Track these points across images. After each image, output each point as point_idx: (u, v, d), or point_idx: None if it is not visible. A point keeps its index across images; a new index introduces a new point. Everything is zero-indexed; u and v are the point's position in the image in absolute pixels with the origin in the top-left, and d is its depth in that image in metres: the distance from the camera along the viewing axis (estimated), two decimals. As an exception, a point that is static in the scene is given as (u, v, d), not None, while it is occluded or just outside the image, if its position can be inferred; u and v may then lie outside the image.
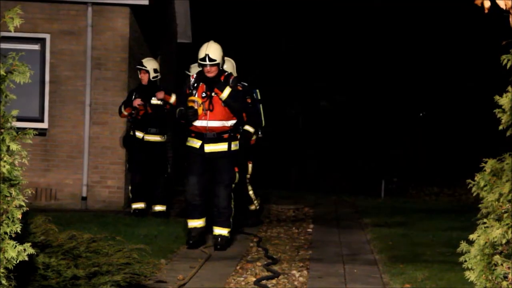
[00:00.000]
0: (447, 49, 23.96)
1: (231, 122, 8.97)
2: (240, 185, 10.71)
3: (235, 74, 10.48)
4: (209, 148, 8.92)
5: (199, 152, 8.95)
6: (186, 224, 9.10)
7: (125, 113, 11.75)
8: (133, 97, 11.69)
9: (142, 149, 11.65)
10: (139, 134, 11.67)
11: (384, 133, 24.37)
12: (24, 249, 4.54)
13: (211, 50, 8.83)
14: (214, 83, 8.89)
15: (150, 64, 11.77)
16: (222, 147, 8.94)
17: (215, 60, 8.80)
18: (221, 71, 8.98)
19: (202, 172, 8.99)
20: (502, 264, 4.21)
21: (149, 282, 6.75)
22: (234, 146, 9.06)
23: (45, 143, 12.73)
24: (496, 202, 4.26)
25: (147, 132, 11.67)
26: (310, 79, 24.84)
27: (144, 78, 11.72)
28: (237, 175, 9.38)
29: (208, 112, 8.87)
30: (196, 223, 8.98)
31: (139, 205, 11.69)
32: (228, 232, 9.01)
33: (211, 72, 8.86)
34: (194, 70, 11.18)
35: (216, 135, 8.91)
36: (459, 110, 24.33)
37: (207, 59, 8.79)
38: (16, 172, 4.59)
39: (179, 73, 19.08)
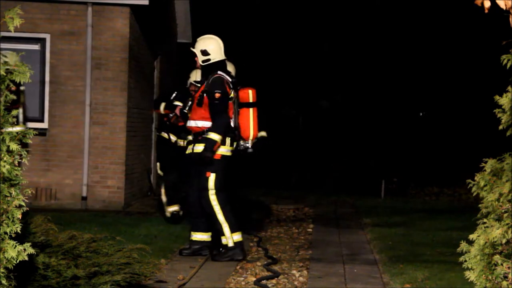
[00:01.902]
0: (447, 49, 23.96)
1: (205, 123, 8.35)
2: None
3: None
4: (189, 149, 8.50)
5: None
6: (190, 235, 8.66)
7: (163, 112, 11.01)
8: (173, 97, 11.22)
9: (176, 151, 11.08)
10: (173, 138, 11.25)
11: (384, 133, 24.36)
12: (24, 249, 4.54)
13: (199, 40, 8.56)
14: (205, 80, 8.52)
15: None
16: (196, 148, 8.37)
17: (193, 48, 8.47)
18: (210, 67, 8.45)
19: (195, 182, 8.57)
20: (502, 264, 4.21)
21: (149, 282, 6.75)
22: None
23: (45, 143, 12.73)
24: (496, 202, 4.26)
25: (179, 137, 11.26)
26: (310, 79, 24.84)
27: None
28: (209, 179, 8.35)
29: (191, 111, 8.57)
30: (200, 236, 8.56)
31: (175, 208, 11.04)
32: (210, 236, 8.55)
33: (197, 62, 8.55)
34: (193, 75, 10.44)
35: (194, 136, 8.44)
36: (459, 110, 24.33)
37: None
38: (16, 172, 4.60)
39: (179, 73, 19.10)
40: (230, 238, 8.30)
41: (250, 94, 8.42)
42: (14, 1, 11.08)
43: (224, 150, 8.36)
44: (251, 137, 8.43)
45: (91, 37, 12.75)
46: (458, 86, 24.20)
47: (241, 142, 8.48)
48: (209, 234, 8.59)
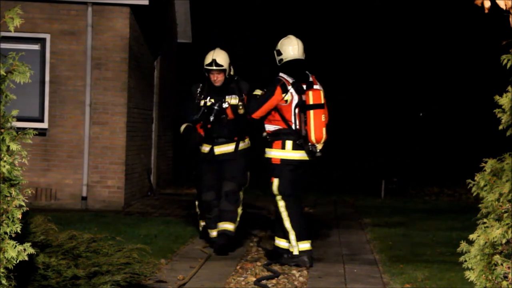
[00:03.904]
0: (447, 49, 23.96)
1: None
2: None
3: None
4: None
5: None
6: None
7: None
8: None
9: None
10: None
11: (384, 133, 24.35)
12: (24, 249, 4.54)
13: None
14: None
15: None
16: (266, 153, 8.54)
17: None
18: (281, 67, 8.59)
19: None
20: (502, 264, 4.21)
21: (149, 282, 6.75)
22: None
23: (45, 143, 12.73)
24: (496, 202, 4.26)
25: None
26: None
27: None
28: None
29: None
30: (282, 243, 8.51)
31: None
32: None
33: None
34: None
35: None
36: (459, 110, 24.32)
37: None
38: (16, 172, 4.60)
39: (179, 73, 19.09)
40: (296, 246, 8.20)
41: (309, 96, 8.19)
42: (14, 1, 11.09)
43: (284, 154, 8.24)
44: (313, 140, 8.17)
45: (91, 37, 12.75)
46: (458, 86, 24.19)
47: (310, 146, 8.21)
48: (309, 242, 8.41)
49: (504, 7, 4.24)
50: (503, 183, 4.24)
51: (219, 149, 8.87)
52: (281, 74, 8.35)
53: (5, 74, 4.61)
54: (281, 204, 8.25)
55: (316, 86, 8.34)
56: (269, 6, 24.08)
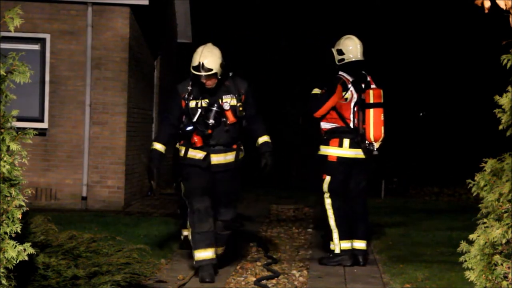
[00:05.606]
0: (447, 49, 23.96)
1: None
2: None
3: None
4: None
5: None
6: None
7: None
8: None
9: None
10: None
11: (384, 133, 24.34)
12: (24, 249, 4.54)
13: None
14: None
15: None
16: (321, 149, 8.56)
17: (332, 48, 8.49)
18: (341, 67, 8.48)
19: None
20: (502, 264, 4.21)
21: (149, 282, 6.76)
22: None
23: (45, 143, 12.73)
24: (496, 202, 4.26)
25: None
26: (310, 79, 24.81)
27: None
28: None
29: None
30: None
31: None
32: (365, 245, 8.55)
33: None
34: None
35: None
36: (459, 110, 24.33)
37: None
38: (16, 172, 4.60)
39: (179, 73, 19.09)
40: (338, 245, 8.24)
41: (370, 95, 8.20)
42: (14, 1, 11.09)
43: (341, 152, 8.27)
44: (372, 139, 8.20)
45: (91, 37, 12.75)
46: (458, 86, 24.20)
47: (367, 144, 8.24)
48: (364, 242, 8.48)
49: (504, 7, 4.25)
50: (503, 183, 4.24)
51: (216, 158, 7.46)
52: (340, 72, 8.38)
53: (5, 74, 4.61)
54: (328, 201, 8.34)
55: (373, 86, 8.40)
56: (269, 6, 24.08)
